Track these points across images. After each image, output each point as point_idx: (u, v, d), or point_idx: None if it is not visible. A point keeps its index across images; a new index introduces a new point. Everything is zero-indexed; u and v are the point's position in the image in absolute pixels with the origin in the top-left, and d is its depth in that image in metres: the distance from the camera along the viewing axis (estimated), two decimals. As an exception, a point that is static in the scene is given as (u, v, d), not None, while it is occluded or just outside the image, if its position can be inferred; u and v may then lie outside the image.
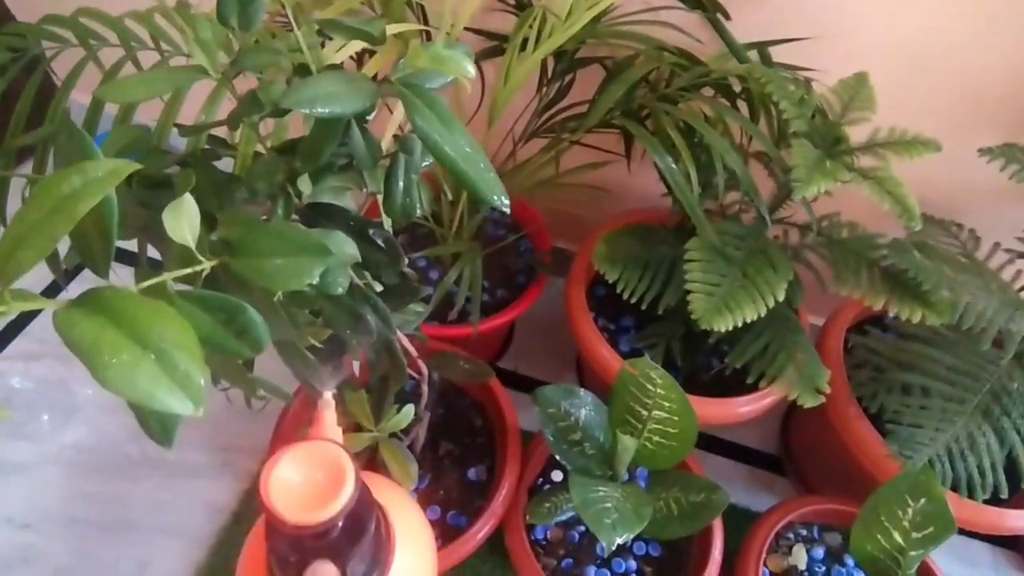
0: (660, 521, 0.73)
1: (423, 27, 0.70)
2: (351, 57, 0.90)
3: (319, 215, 0.45)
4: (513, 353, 1.26)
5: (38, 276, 0.46)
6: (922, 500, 0.64)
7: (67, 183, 0.23)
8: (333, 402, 0.49)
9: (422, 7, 0.79)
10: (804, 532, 0.92)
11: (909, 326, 0.78)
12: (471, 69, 0.34)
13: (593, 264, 0.89)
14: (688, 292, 0.69)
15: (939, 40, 0.81)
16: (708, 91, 0.80)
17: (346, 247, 0.40)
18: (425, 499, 0.86)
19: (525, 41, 0.74)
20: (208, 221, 0.41)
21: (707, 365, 0.98)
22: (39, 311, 1.26)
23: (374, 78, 0.42)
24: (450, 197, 0.52)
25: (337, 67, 0.40)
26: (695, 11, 0.80)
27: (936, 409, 0.75)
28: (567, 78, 0.91)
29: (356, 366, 0.60)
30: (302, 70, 0.38)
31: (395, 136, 0.43)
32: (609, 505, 0.66)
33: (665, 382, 0.65)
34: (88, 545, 0.98)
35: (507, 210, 0.36)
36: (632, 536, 0.63)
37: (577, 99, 0.91)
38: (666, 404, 0.68)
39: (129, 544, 0.99)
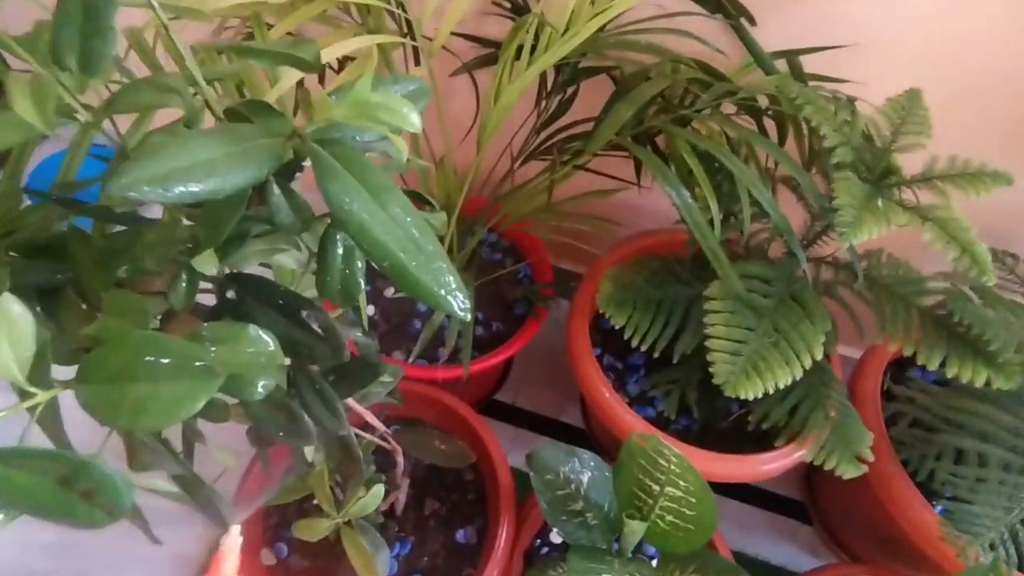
0: (673, 610, 0.63)
1: (403, 39, 0.60)
2: (330, 67, 0.81)
3: (242, 290, 0.35)
4: (512, 384, 1.16)
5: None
6: (989, 604, 0.53)
7: None
8: (238, 542, 0.40)
9: (407, 19, 0.69)
10: (836, 604, 0.82)
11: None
12: (415, 120, 0.24)
13: (598, 301, 0.79)
14: (709, 349, 0.58)
15: (996, 48, 0.70)
16: (730, 106, 0.70)
17: (263, 345, 0.30)
18: (407, 567, 0.76)
19: (521, 49, 0.64)
20: (84, 300, 0.32)
21: (726, 411, 0.87)
22: None
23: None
24: (434, 203, 0.42)
25: (263, 109, 0.30)
26: (715, 17, 0.69)
27: (994, 481, 0.65)
28: (569, 91, 0.81)
29: (308, 451, 0.50)
30: (193, 118, 0.28)
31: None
32: (614, 600, 0.56)
33: (680, 463, 0.55)
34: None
35: (467, 316, 0.26)
36: (641, 643, 0.53)
37: (581, 114, 0.81)
38: (681, 483, 0.58)
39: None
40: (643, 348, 0.71)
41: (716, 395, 0.85)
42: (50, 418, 0.33)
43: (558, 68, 0.78)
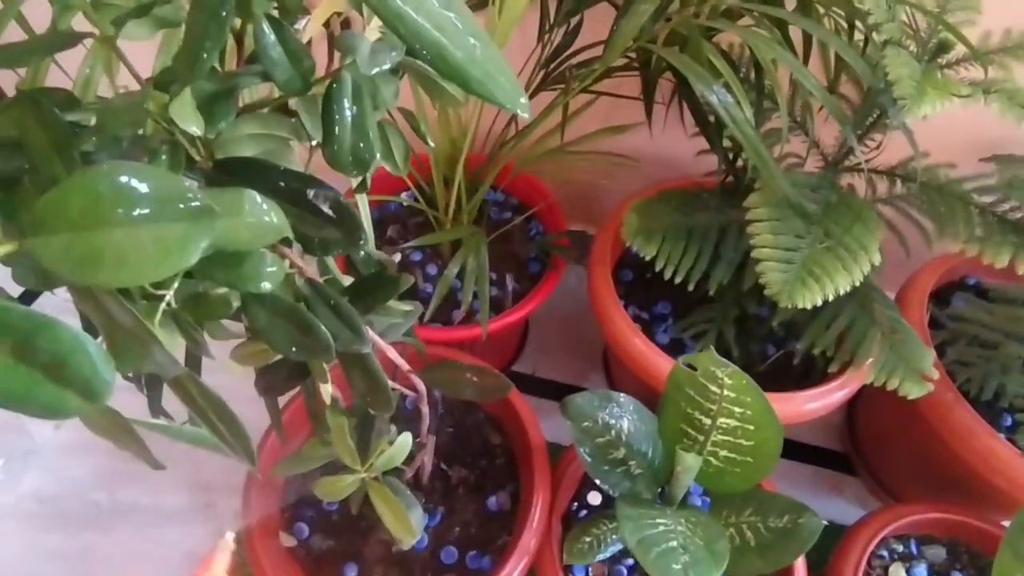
0: (735, 556, 0.57)
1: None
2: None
3: (230, 174, 0.29)
4: (530, 354, 1.11)
5: None
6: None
7: None
8: (231, 544, 0.34)
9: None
10: (900, 548, 0.76)
11: (1011, 290, 0.62)
12: None
13: (623, 246, 0.74)
14: (756, 260, 0.53)
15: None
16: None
17: (265, 215, 0.25)
18: (438, 539, 0.71)
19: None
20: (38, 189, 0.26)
21: (763, 353, 0.82)
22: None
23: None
24: (430, 143, 0.37)
25: None
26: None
27: (1074, 390, 0.59)
28: (573, 21, 0.76)
29: (325, 390, 0.45)
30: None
31: (332, 39, 0.28)
32: (675, 543, 0.51)
33: (736, 382, 0.50)
34: (53, 612, 0.84)
35: (526, 114, 0.21)
36: (709, 586, 0.48)
37: (587, 42, 0.76)
38: (737, 410, 0.52)
39: (101, 607, 0.84)
40: (677, 279, 0.66)
41: (752, 335, 0.80)
42: None
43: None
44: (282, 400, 0.56)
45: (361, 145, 0.29)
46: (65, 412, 0.20)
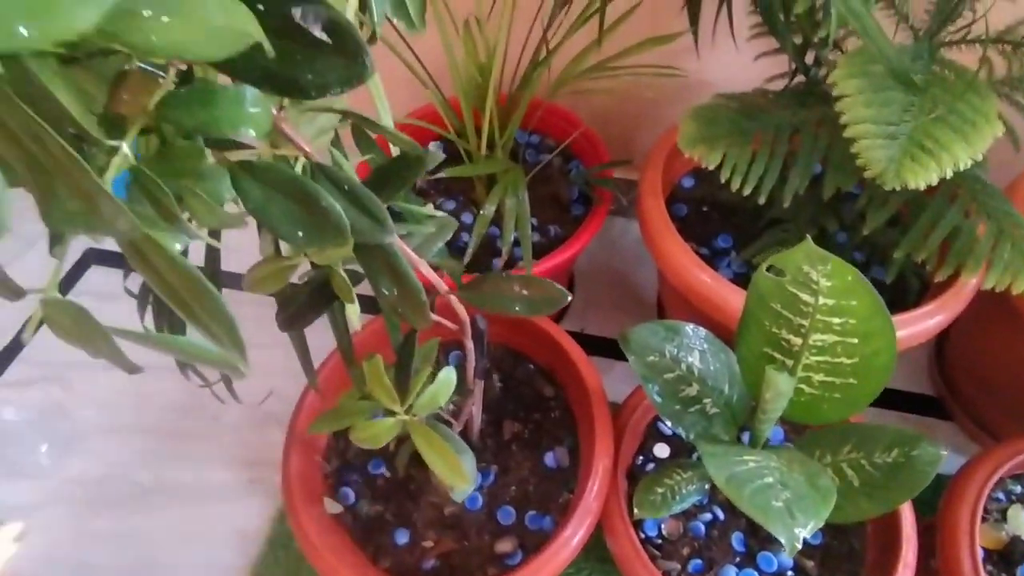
0: (838, 497, 0.49)
1: None
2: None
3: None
4: (577, 310, 1.04)
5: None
6: None
7: None
8: None
9: None
10: (1018, 488, 0.67)
11: None
12: None
13: (675, 180, 0.66)
14: (851, 140, 0.44)
15: None
16: None
17: (226, 10, 0.19)
18: (493, 500, 0.65)
19: None
20: None
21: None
22: (36, 332, 1.12)
23: None
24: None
25: None
26: None
27: None
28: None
29: (353, 311, 0.38)
30: None
31: None
32: (771, 480, 0.43)
33: (838, 283, 0.42)
34: (105, 593, 0.82)
35: None
36: (820, 524, 0.40)
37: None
38: (836, 321, 0.44)
39: (152, 588, 0.82)
40: (746, 190, 0.57)
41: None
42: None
43: None
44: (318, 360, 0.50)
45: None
46: None
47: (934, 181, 0.42)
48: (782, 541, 0.39)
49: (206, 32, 0.19)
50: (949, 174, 0.41)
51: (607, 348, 1.01)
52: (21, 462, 0.91)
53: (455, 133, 0.71)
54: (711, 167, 0.58)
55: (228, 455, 0.90)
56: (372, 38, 0.31)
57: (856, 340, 0.44)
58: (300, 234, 0.27)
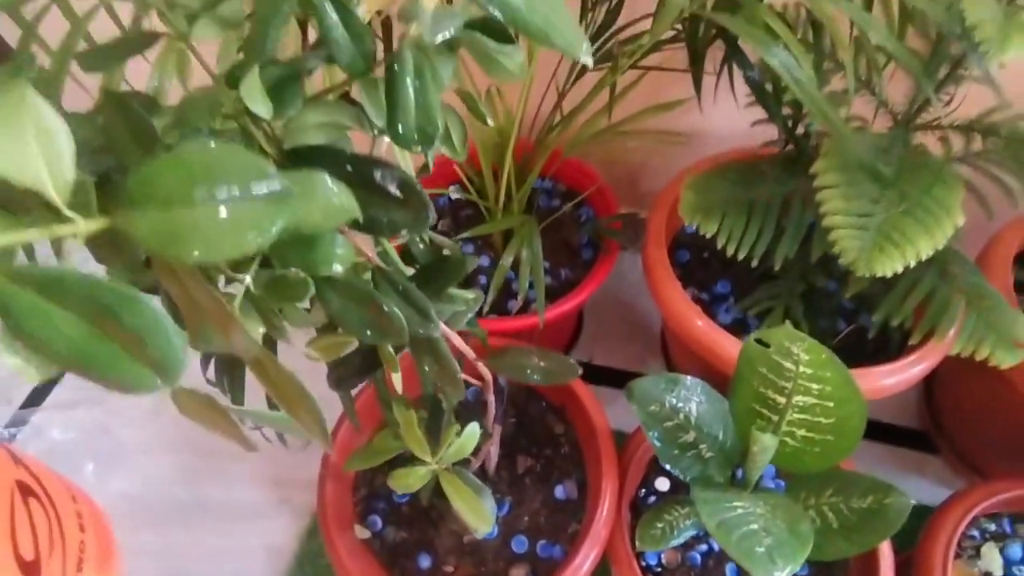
0: (818, 539, 0.55)
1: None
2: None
3: (299, 161, 0.30)
4: (586, 341, 1.10)
5: None
6: None
7: None
8: None
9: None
10: (992, 527, 0.72)
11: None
12: None
13: (678, 226, 0.72)
14: (828, 228, 0.50)
15: None
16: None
17: (336, 197, 0.25)
18: (508, 529, 0.71)
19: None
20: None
21: (833, 329, 0.78)
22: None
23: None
24: (488, 121, 0.36)
25: None
26: None
27: None
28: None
29: (396, 379, 0.45)
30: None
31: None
32: (756, 526, 0.49)
33: (814, 357, 0.48)
34: (144, 605, 0.88)
35: (589, 60, 0.20)
36: (796, 567, 0.46)
37: (631, 17, 0.74)
38: (814, 387, 0.50)
39: (188, 600, 0.88)
40: (740, 255, 0.63)
41: (821, 310, 0.77)
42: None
43: (602, -27, 0.72)
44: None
45: (425, 120, 0.29)
46: (142, 386, 0.20)
47: (899, 270, 0.48)
48: (761, 582, 0.45)
49: (324, 211, 0.25)
50: (912, 264, 0.48)
51: (614, 378, 1.07)
52: (71, 479, 0.98)
53: (475, 192, 0.78)
54: (709, 235, 0.64)
55: (260, 475, 0.97)
56: (424, 169, 0.37)
57: (832, 404, 0.50)
58: (368, 333, 0.33)
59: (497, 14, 0.19)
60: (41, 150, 0.18)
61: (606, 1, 0.72)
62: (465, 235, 0.75)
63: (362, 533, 0.71)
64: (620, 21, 0.74)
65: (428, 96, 0.27)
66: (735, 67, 0.65)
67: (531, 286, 0.79)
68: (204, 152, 0.19)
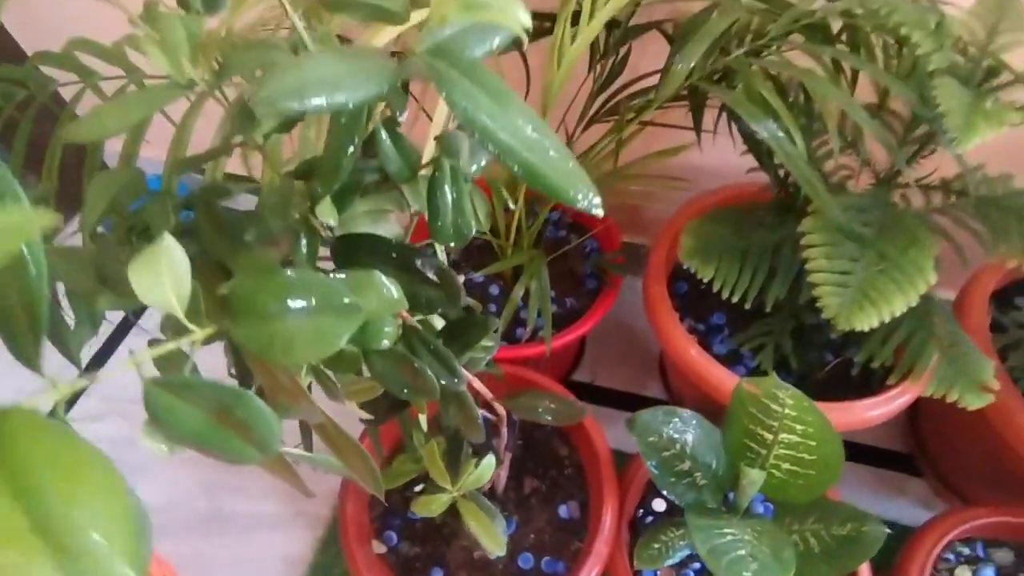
0: (800, 563, 0.61)
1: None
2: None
3: (353, 248, 0.35)
4: (588, 363, 1.15)
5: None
6: None
7: None
8: None
9: None
10: (966, 551, 0.77)
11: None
12: (525, 17, 0.24)
13: (678, 258, 0.77)
14: (812, 285, 0.56)
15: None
16: (796, 37, 0.67)
17: (388, 291, 0.30)
18: (514, 546, 0.76)
19: (574, 14, 0.63)
20: (223, 273, 0.33)
21: (821, 361, 0.84)
22: (99, 367, 1.26)
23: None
24: (510, 204, 0.42)
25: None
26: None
27: None
28: (622, 50, 0.79)
29: (423, 419, 0.50)
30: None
31: (437, 139, 0.33)
32: (743, 552, 0.54)
33: (797, 403, 0.53)
34: (168, 611, 0.93)
35: (600, 212, 0.25)
36: (778, 593, 0.51)
37: (634, 74, 0.79)
38: (798, 427, 0.55)
39: (209, 606, 0.94)
40: (734, 299, 0.69)
41: (810, 345, 0.82)
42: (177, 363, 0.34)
43: (608, 29, 0.77)
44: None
45: (460, 221, 0.34)
46: (246, 459, 0.26)
47: (876, 325, 0.53)
48: (747, 605, 0.50)
49: (379, 302, 0.30)
50: (887, 319, 0.53)
51: (615, 399, 1.12)
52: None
53: (489, 231, 0.83)
54: (706, 280, 0.69)
55: (277, 488, 1.02)
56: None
57: (814, 443, 0.55)
58: (405, 391, 0.39)
59: (519, 173, 0.24)
60: (170, 279, 0.23)
61: (612, 56, 0.78)
62: (481, 272, 0.80)
63: (379, 548, 0.77)
64: (630, 70, 0.79)
65: (463, 202, 0.32)
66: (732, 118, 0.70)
67: (538, 314, 0.84)
68: (289, 277, 0.24)
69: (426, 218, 0.35)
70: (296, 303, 0.25)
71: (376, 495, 0.36)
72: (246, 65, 0.29)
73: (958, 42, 0.54)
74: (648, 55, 0.83)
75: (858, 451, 1.05)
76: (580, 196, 0.25)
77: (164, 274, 0.24)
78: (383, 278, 0.31)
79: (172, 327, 0.26)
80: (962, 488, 0.95)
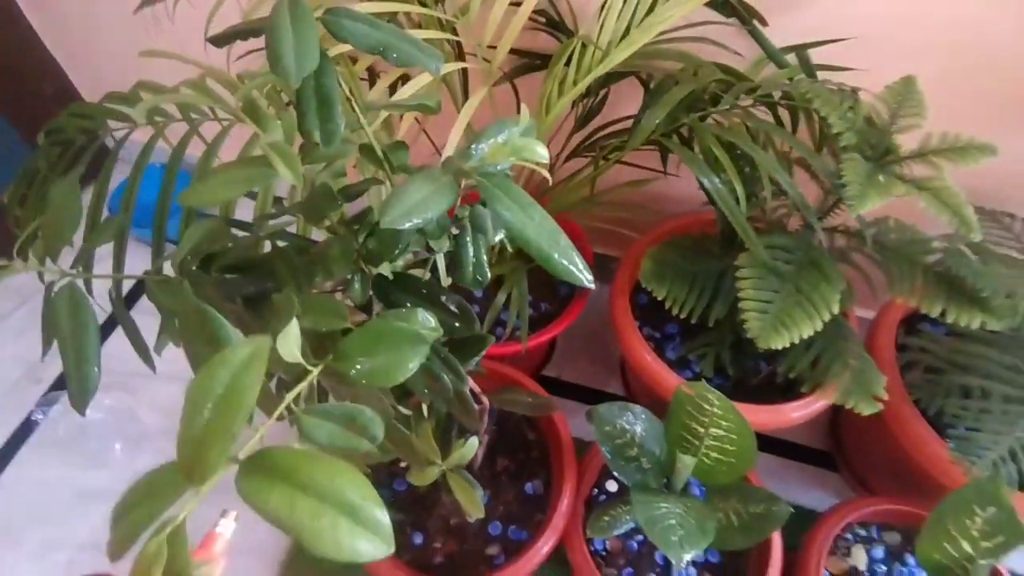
0: (721, 533, 0.74)
1: (462, 64, 0.71)
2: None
3: (393, 287, 0.46)
4: (557, 361, 1.28)
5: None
6: (991, 509, 0.64)
7: (218, 381, 0.25)
8: (232, 527, 0.43)
9: (454, 28, 0.79)
10: (863, 532, 0.93)
11: (958, 326, 0.77)
12: (543, 152, 0.35)
13: (638, 277, 0.90)
14: (742, 310, 0.69)
15: (984, 34, 0.79)
16: (747, 99, 0.80)
17: (429, 324, 0.42)
18: (486, 515, 0.88)
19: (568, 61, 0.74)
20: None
21: (756, 369, 0.98)
22: (102, 342, 1.33)
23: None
24: (508, 248, 0.53)
25: (401, 148, 0.42)
26: (731, 21, 0.79)
27: (997, 411, 0.75)
28: (601, 93, 0.91)
29: (424, 407, 0.62)
30: (366, 150, 0.40)
31: (468, 215, 0.44)
32: (673, 522, 0.67)
33: (722, 404, 0.66)
34: (168, 566, 1.03)
35: (591, 286, 0.37)
36: (699, 552, 0.65)
37: (612, 113, 0.92)
38: (723, 423, 0.69)
39: (206, 564, 1.04)
40: (681, 316, 0.82)
41: (746, 355, 0.96)
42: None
43: (591, 74, 0.89)
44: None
45: (479, 272, 0.46)
46: (362, 449, 0.37)
47: (787, 345, 0.66)
48: (673, 562, 0.63)
49: (425, 331, 0.42)
50: (797, 341, 0.66)
51: (579, 394, 1.25)
52: (102, 455, 1.12)
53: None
54: (660, 299, 0.82)
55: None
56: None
57: (735, 436, 0.69)
58: (426, 392, 0.50)
59: (537, 257, 0.36)
60: (294, 341, 0.35)
61: (591, 97, 0.89)
62: (469, 281, 0.91)
63: (368, 514, 0.88)
64: (607, 111, 0.91)
65: (481, 257, 0.44)
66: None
67: (517, 318, 0.96)
68: (380, 327, 0.36)
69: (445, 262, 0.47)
70: (386, 344, 0.36)
71: (414, 465, 0.47)
72: (326, 156, 0.40)
73: (867, 122, 0.68)
74: (627, 96, 0.95)
75: (788, 448, 1.20)
76: (578, 273, 0.37)
77: (291, 341, 0.35)
78: (425, 313, 0.42)
79: (288, 369, 0.37)
80: (870, 482, 1.11)
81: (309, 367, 0.35)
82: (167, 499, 0.25)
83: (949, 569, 0.66)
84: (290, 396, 0.33)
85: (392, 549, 0.25)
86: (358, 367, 0.35)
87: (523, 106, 0.56)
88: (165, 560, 0.24)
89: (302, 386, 0.34)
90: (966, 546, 0.64)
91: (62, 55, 1.46)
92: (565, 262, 0.35)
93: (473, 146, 0.37)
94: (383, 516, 0.25)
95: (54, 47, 1.44)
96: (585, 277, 0.36)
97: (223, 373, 0.25)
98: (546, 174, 0.38)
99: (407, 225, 0.32)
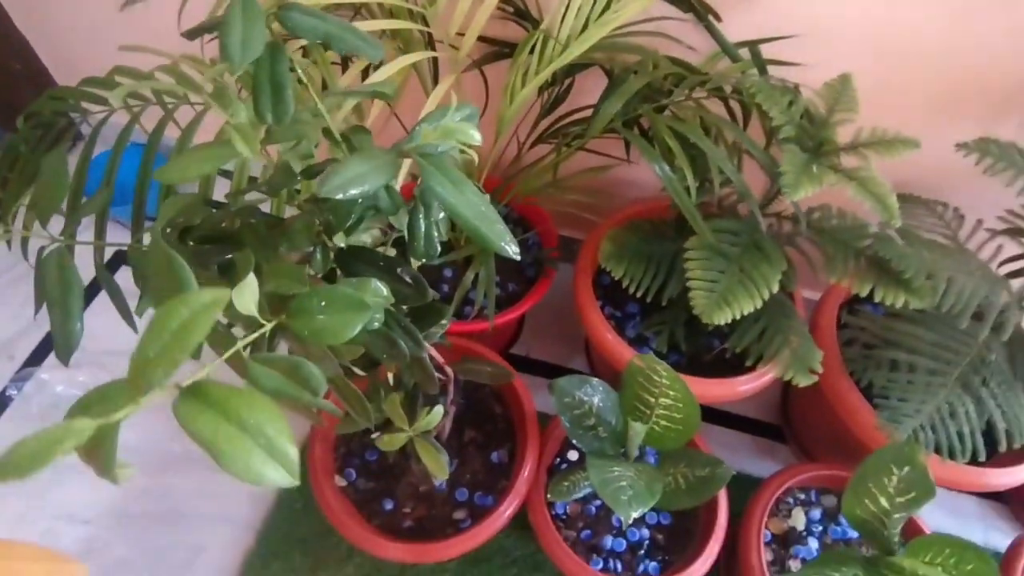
0: (669, 494, 0.81)
1: (431, 53, 0.74)
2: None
3: (353, 259, 0.50)
4: (525, 338, 1.33)
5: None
6: (906, 468, 0.71)
7: (176, 317, 0.29)
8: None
9: (429, 33, 0.83)
10: (803, 496, 1.00)
11: (890, 306, 0.84)
12: (477, 136, 0.40)
13: (599, 258, 0.95)
14: (690, 288, 0.75)
15: (917, 32, 0.85)
16: (702, 91, 0.85)
17: (380, 292, 0.46)
18: (453, 482, 0.94)
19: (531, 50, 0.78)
20: (255, 270, 0.47)
21: (709, 346, 1.04)
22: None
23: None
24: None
25: (362, 132, 0.46)
26: (688, 16, 0.83)
27: (921, 383, 0.82)
28: (566, 82, 0.95)
29: (389, 376, 0.66)
30: (327, 134, 0.44)
31: (413, 176, 0.48)
32: (624, 483, 0.73)
33: (669, 375, 0.72)
34: (145, 536, 1.07)
35: (517, 257, 0.42)
36: (646, 510, 0.71)
37: (577, 101, 0.96)
38: (671, 393, 0.75)
39: (182, 532, 1.07)
40: (638, 295, 0.87)
41: (699, 333, 1.02)
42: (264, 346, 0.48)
43: (557, 63, 0.93)
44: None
45: (429, 246, 0.50)
46: (303, 399, 0.41)
47: (729, 320, 0.72)
48: (622, 519, 0.69)
49: (374, 299, 0.46)
50: (739, 317, 0.72)
51: (546, 370, 1.31)
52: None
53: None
54: (618, 278, 0.88)
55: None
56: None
57: (682, 405, 0.75)
58: (384, 356, 0.55)
59: (470, 233, 0.40)
60: (251, 296, 0.39)
61: (557, 86, 0.94)
62: (437, 262, 0.95)
63: (340, 482, 0.93)
64: (571, 99, 0.95)
65: (431, 233, 0.48)
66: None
67: (485, 297, 1.00)
68: (328, 292, 0.40)
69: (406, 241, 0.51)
70: (331, 306, 0.41)
71: (366, 424, 0.52)
72: (286, 137, 0.43)
73: (805, 115, 0.73)
74: (591, 85, 0.99)
75: (740, 421, 1.28)
76: (504, 246, 0.41)
77: (248, 295, 0.39)
78: (377, 283, 0.47)
79: (246, 323, 0.41)
80: (814, 452, 1.19)
81: (264, 321, 0.39)
82: (115, 406, 0.29)
83: (869, 523, 0.73)
84: (241, 342, 0.37)
85: (297, 481, 0.29)
86: (309, 326, 0.39)
87: (452, 94, 0.60)
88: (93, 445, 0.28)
89: (255, 336, 0.38)
90: (883, 502, 0.71)
91: (31, 33, 1.44)
92: (493, 236, 0.40)
93: (416, 128, 0.41)
94: (292, 451, 0.29)
95: (23, 25, 1.42)
96: (511, 250, 0.40)
97: (184, 311, 0.29)
98: (474, 155, 0.42)
99: (343, 195, 0.36)
